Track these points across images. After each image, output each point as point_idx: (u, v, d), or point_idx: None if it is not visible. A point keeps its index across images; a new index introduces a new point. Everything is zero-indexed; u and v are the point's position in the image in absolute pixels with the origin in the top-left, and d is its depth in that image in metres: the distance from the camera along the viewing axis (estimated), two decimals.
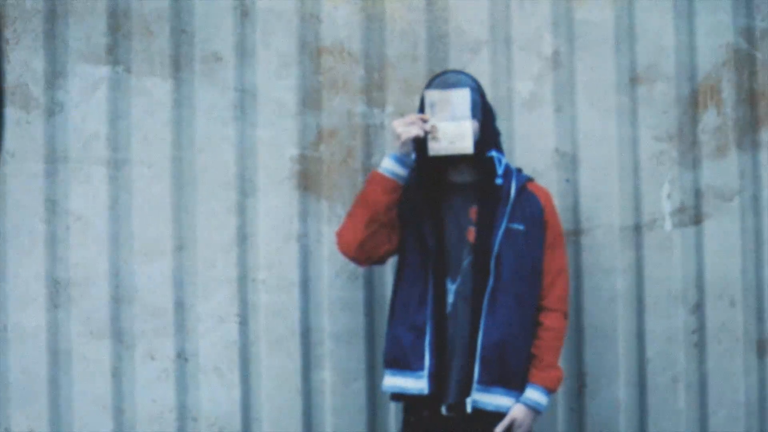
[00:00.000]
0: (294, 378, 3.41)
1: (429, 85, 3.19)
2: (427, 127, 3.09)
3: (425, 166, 3.20)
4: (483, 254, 3.18)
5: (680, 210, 3.57)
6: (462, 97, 3.09)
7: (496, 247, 3.18)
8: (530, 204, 3.26)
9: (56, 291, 3.33)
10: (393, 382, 3.18)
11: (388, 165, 3.13)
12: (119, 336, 3.35)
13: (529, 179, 3.32)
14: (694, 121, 3.58)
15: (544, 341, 3.22)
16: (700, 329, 3.56)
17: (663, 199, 3.57)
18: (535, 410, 3.18)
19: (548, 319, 3.24)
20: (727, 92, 3.60)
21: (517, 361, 3.19)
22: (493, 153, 3.25)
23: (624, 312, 3.53)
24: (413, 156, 3.18)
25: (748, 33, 3.61)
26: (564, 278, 3.29)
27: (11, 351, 3.30)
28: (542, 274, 3.25)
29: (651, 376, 3.54)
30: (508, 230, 3.20)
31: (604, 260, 3.53)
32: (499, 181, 3.22)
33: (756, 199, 3.60)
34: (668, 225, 3.56)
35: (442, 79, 3.19)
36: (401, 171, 3.14)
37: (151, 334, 3.36)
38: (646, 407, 3.53)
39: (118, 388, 3.34)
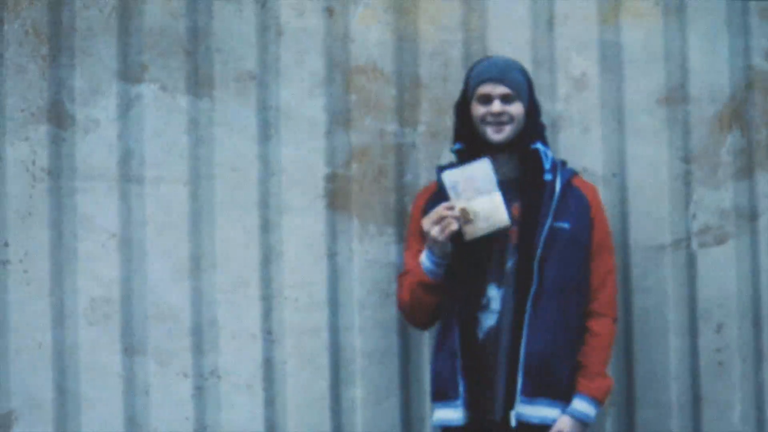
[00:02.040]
0: (325, 396, 3.42)
1: (474, 70, 3.15)
2: (457, 213, 3.00)
3: (465, 157, 3.12)
4: (526, 256, 3.04)
5: (705, 230, 3.61)
6: (484, 170, 3.02)
7: (540, 249, 3.05)
8: (576, 200, 3.13)
9: (91, 308, 3.33)
10: (437, 415, 3.12)
11: (429, 265, 3.07)
12: (153, 354, 3.35)
13: (575, 173, 3.24)
14: (719, 142, 3.62)
15: (591, 348, 3.09)
16: (725, 348, 3.60)
17: (689, 219, 3.60)
18: (582, 422, 3.06)
19: (596, 325, 3.10)
20: (752, 114, 3.64)
21: (562, 370, 3.06)
22: (539, 145, 3.17)
23: (650, 331, 3.56)
24: (456, 146, 3.14)
25: None
26: (612, 280, 3.16)
27: (46, 369, 3.30)
28: (589, 277, 3.13)
29: (675, 395, 3.57)
30: (552, 229, 3.07)
31: (631, 280, 3.56)
32: (548, 176, 3.12)
33: None
34: (694, 245, 3.60)
35: (491, 62, 3.15)
36: (440, 270, 3.07)
37: (184, 352, 3.36)
38: (669, 427, 3.55)
39: (150, 406, 3.34)
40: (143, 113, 3.37)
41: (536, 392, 3.03)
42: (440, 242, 3.02)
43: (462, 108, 3.23)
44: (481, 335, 3.08)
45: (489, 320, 3.09)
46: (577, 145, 3.56)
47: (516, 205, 3.10)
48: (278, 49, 3.44)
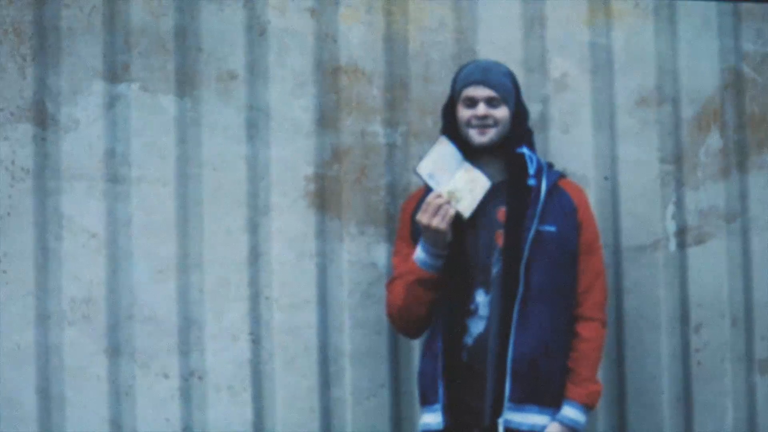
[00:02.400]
0: (308, 397, 3.41)
1: (461, 73, 3.15)
2: (447, 198, 3.01)
3: None
4: (512, 260, 3.01)
5: (684, 231, 3.63)
6: (446, 149, 3.07)
7: (525, 253, 3.03)
8: (563, 203, 3.12)
9: (70, 309, 3.31)
10: (422, 420, 3.11)
11: (426, 259, 3.05)
12: (133, 354, 3.33)
13: (562, 175, 3.23)
14: (699, 143, 3.65)
15: (580, 353, 3.06)
16: (703, 348, 3.62)
17: (668, 219, 3.63)
18: (572, 429, 3.04)
19: (585, 329, 3.08)
20: (730, 115, 3.67)
21: (551, 376, 3.03)
22: (524, 150, 3.16)
23: (629, 331, 3.58)
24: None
25: (750, 57, 3.69)
26: (601, 283, 3.15)
27: (27, 369, 3.27)
28: (577, 280, 3.10)
29: (655, 394, 3.59)
30: (538, 233, 3.05)
31: (611, 280, 3.57)
32: (531, 182, 3.10)
33: (757, 220, 3.68)
34: (672, 245, 3.62)
35: (477, 65, 3.15)
36: (440, 262, 3.05)
37: (164, 353, 3.35)
38: (654, 426, 3.57)
39: (132, 407, 3.32)
40: (125, 113, 3.35)
41: (525, 399, 3.01)
42: (443, 231, 3.01)
43: (449, 110, 3.23)
44: (470, 342, 3.07)
45: (477, 327, 3.08)
46: (558, 145, 3.57)
47: (502, 209, 3.09)
48: (261, 49, 3.43)
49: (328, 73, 3.46)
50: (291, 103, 3.44)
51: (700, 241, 3.63)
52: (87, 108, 3.33)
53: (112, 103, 3.34)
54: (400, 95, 3.47)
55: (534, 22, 3.56)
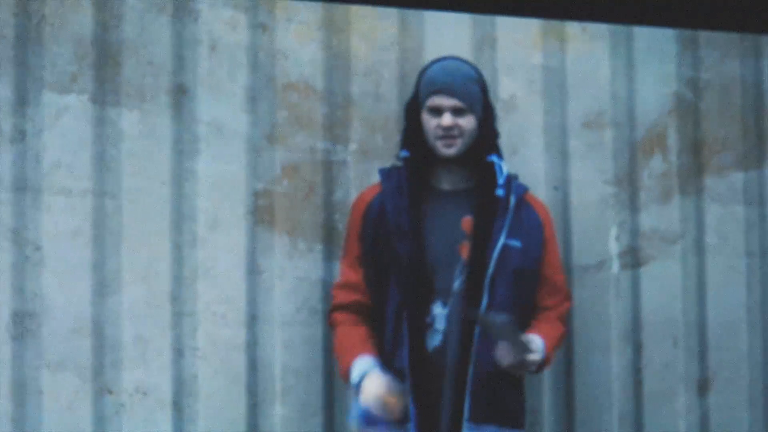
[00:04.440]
0: (252, 413, 3.39)
1: (426, 76, 3.08)
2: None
3: (410, 169, 3.03)
4: (477, 274, 2.92)
5: (627, 252, 3.68)
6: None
7: (492, 267, 2.95)
8: (529, 218, 3.05)
9: (14, 322, 3.25)
10: None
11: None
12: (77, 369, 3.28)
13: (527, 189, 3.16)
14: (642, 166, 3.70)
15: (547, 318, 3.04)
16: (645, 368, 3.67)
17: (611, 240, 3.67)
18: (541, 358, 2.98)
19: (548, 301, 3.03)
20: (673, 140, 3.73)
21: (511, 395, 2.99)
22: (494, 158, 3.09)
23: (573, 351, 3.61)
24: (402, 154, 3.05)
25: (693, 83, 3.75)
26: (562, 274, 3.12)
27: None
28: (539, 295, 3.07)
29: (596, 413, 3.63)
30: (505, 247, 2.97)
31: None
32: (500, 192, 3.02)
33: (698, 242, 3.74)
34: (615, 266, 3.67)
35: (445, 71, 3.06)
36: None
37: (108, 368, 3.30)
38: None
39: (76, 423, 3.27)
40: (72, 124, 3.31)
41: (484, 418, 2.95)
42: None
43: (412, 111, 3.17)
44: (439, 339, 2.99)
45: (434, 340, 3.02)
46: (506, 166, 3.59)
47: (467, 218, 3.02)
48: (212, 64, 3.41)
49: (279, 89, 3.46)
50: (241, 118, 3.43)
51: (642, 262, 3.69)
52: (34, 119, 3.29)
53: (59, 114, 3.30)
54: (351, 113, 3.48)
55: (484, 44, 3.58)
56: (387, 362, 3.01)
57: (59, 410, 3.26)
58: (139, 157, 3.35)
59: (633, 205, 3.68)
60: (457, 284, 2.98)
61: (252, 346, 3.39)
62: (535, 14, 3.55)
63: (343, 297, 3.19)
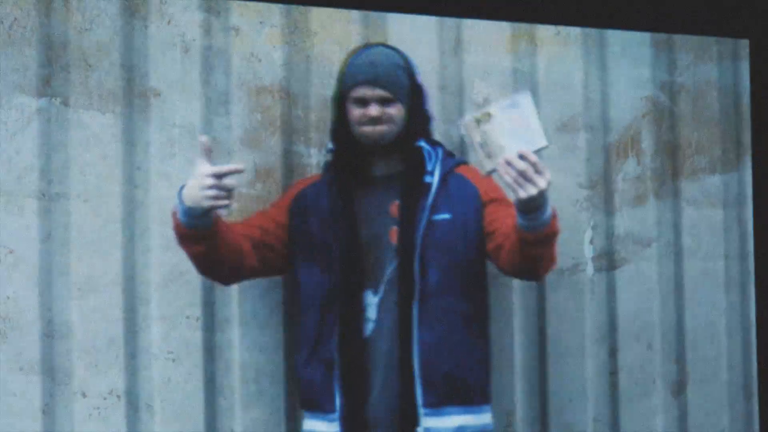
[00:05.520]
0: (227, 416, 3.38)
1: (349, 67, 3.04)
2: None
3: (341, 157, 3.02)
4: (406, 257, 2.85)
5: (601, 255, 3.69)
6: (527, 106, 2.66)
7: (418, 247, 2.87)
8: (459, 188, 2.96)
9: None
10: (308, 426, 3.01)
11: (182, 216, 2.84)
12: (50, 373, 3.28)
13: (463, 162, 3.11)
14: (616, 169, 3.71)
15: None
16: (619, 371, 3.67)
17: (585, 244, 3.68)
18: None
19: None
20: (647, 143, 3.75)
21: (466, 371, 2.89)
22: (423, 143, 3.04)
23: (547, 354, 3.62)
24: (330, 146, 3.03)
25: (666, 87, 3.77)
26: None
27: None
28: (482, 254, 2.89)
29: (571, 415, 3.63)
30: (430, 224, 2.89)
31: (527, 303, 3.61)
32: (428, 178, 2.97)
33: (672, 245, 3.75)
34: (590, 269, 3.67)
35: (369, 61, 3.00)
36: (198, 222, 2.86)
37: (83, 371, 3.30)
38: None
39: (49, 426, 3.27)
40: (45, 128, 3.30)
41: (442, 401, 2.86)
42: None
43: (339, 103, 3.12)
44: (371, 328, 2.92)
45: (365, 330, 2.94)
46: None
47: (395, 203, 2.96)
48: (183, 67, 3.41)
49: (252, 92, 3.46)
50: (214, 121, 3.43)
51: (616, 265, 3.70)
52: (6, 122, 3.28)
53: (31, 117, 3.30)
54: (324, 116, 3.48)
55: (456, 47, 3.59)
56: (311, 351, 2.95)
57: (33, 414, 3.25)
58: (113, 160, 3.35)
59: (607, 209, 3.69)
60: (389, 271, 2.91)
61: (225, 349, 3.39)
62: (506, 17, 3.56)
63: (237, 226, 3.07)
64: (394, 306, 2.85)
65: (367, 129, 3.04)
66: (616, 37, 3.72)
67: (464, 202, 2.94)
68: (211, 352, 3.38)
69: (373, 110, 3.01)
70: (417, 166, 2.97)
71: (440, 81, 3.56)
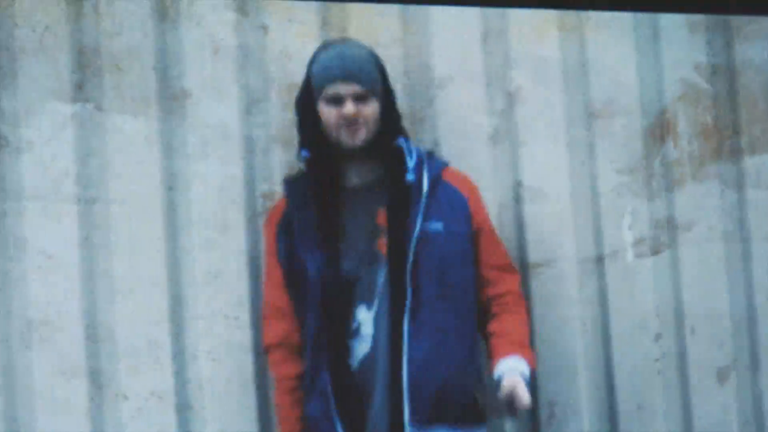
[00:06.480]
0: (269, 415, 3.39)
1: (318, 64, 2.89)
2: None
3: (314, 170, 2.86)
4: (397, 268, 2.69)
5: (640, 241, 3.65)
6: None
7: (410, 257, 2.71)
8: (448, 196, 2.81)
9: (27, 331, 3.27)
10: None
11: None
12: (92, 376, 3.30)
13: (445, 165, 2.92)
14: (653, 154, 3.67)
15: (508, 321, 2.74)
16: (662, 358, 3.64)
17: (624, 230, 3.64)
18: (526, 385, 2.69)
19: (501, 285, 2.75)
20: (683, 126, 3.70)
21: (456, 390, 2.74)
22: (402, 142, 2.85)
23: (589, 342, 3.59)
24: (304, 154, 2.83)
25: (702, 68, 3.72)
26: (501, 247, 2.86)
27: None
28: (480, 259, 2.81)
29: (616, 404, 3.60)
30: (423, 233, 2.73)
31: (568, 292, 3.58)
32: (410, 177, 2.80)
33: (712, 229, 3.70)
34: (630, 256, 3.64)
35: (340, 55, 2.85)
36: None
37: (123, 373, 3.32)
38: None
39: (92, 429, 3.29)
40: (79, 133, 3.32)
41: (429, 419, 2.70)
42: None
43: (305, 105, 2.95)
44: (354, 365, 2.78)
45: (362, 347, 2.80)
46: (513, 159, 3.58)
47: (381, 211, 2.82)
48: (214, 67, 3.42)
49: (283, 90, 3.45)
50: (246, 120, 3.43)
51: (656, 251, 3.66)
52: (41, 128, 3.31)
53: (65, 123, 3.32)
54: None
55: (488, 36, 3.57)
56: (310, 383, 2.86)
57: (76, 418, 3.28)
58: (146, 163, 3.36)
59: (645, 194, 3.66)
60: (381, 282, 2.75)
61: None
62: (537, 5, 3.53)
63: (274, 330, 3.07)
64: (388, 319, 2.72)
65: (347, 132, 2.84)
66: (649, 20, 3.68)
67: (454, 211, 2.82)
68: (249, 352, 3.39)
69: (349, 108, 2.82)
70: (399, 168, 2.79)
71: (470, 70, 3.54)
